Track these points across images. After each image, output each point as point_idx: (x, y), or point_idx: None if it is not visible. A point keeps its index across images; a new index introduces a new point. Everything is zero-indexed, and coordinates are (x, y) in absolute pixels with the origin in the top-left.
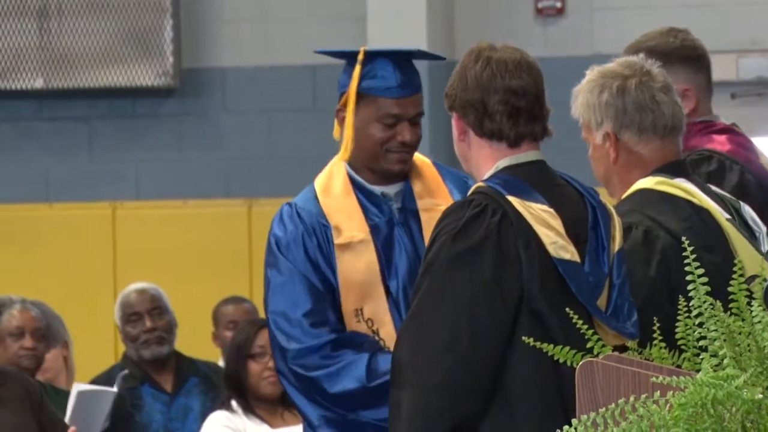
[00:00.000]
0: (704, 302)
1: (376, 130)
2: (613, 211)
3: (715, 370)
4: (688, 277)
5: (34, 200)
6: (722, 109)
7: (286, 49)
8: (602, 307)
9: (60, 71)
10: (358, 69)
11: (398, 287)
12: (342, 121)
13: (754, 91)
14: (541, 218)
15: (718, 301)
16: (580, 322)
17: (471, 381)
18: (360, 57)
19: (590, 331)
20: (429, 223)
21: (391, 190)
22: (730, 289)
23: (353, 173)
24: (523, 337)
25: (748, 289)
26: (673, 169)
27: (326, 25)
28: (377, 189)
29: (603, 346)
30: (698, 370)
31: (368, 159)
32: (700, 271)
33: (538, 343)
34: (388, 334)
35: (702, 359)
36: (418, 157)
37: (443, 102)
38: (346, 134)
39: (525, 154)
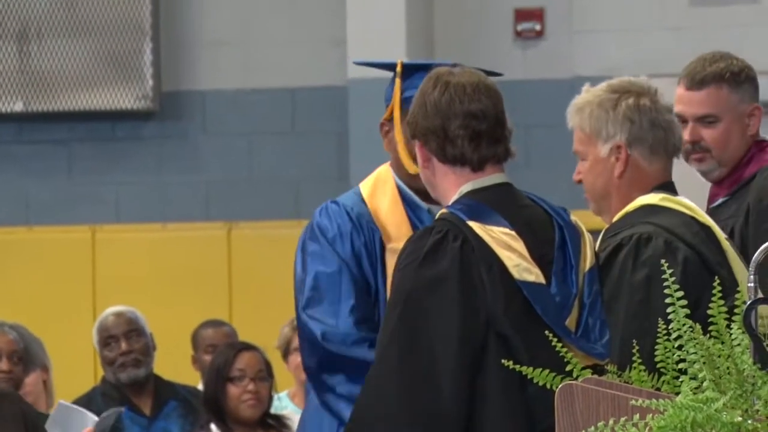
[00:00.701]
0: (683, 324)
1: None
2: (584, 229)
3: (694, 393)
4: (668, 300)
5: (14, 223)
6: None
7: (266, 72)
8: (572, 327)
9: (39, 94)
10: (398, 82)
11: None
12: (386, 135)
13: None
14: (503, 241)
15: (697, 324)
16: (556, 340)
17: (447, 411)
18: (398, 69)
19: (569, 354)
20: None
21: (435, 208)
22: (709, 311)
23: (402, 185)
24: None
25: (729, 311)
26: (670, 187)
27: (306, 48)
28: (425, 205)
29: (583, 368)
30: (678, 393)
31: (406, 176)
32: (680, 294)
33: (511, 365)
34: None
35: (682, 382)
36: None
37: None
38: (399, 148)
39: (489, 178)
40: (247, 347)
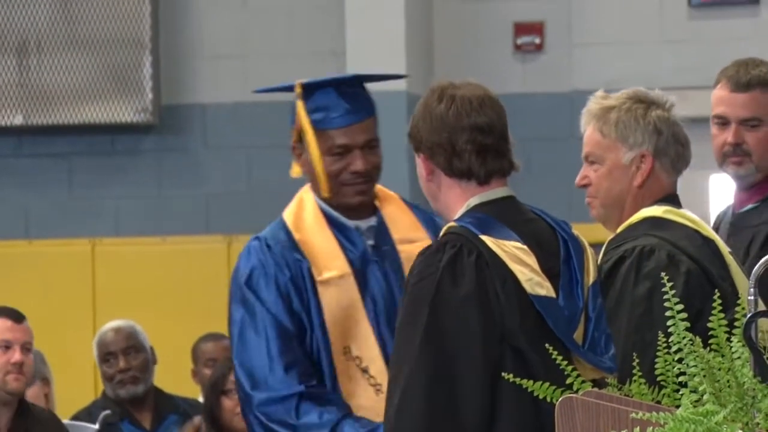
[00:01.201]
0: (683, 338)
1: (327, 163)
2: (586, 243)
3: (695, 406)
4: (668, 313)
5: (13, 237)
6: (702, 144)
7: (266, 85)
8: (579, 341)
9: (39, 108)
10: (300, 104)
11: (374, 324)
12: (299, 157)
13: None
14: (515, 255)
15: (697, 337)
16: (560, 357)
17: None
18: (298, 90)
19: (570, 367)
20: (408, 259)
21: (363, 224)
22: (709, 324)
23: (324, 205)
24: (503, 374)
25: (729, 324)
26: (674, 200)
27: (306, 61)
28: (351, 223)
29: (583, 382)
30: (678, 406)
31: (329, 193)
32: (680, 306)
33: (518, 380)
34: (378, 371)
35: (682, 395)
36: (384, 190)
37: None
38: (316, 169)
39: (494, 191)
40: None
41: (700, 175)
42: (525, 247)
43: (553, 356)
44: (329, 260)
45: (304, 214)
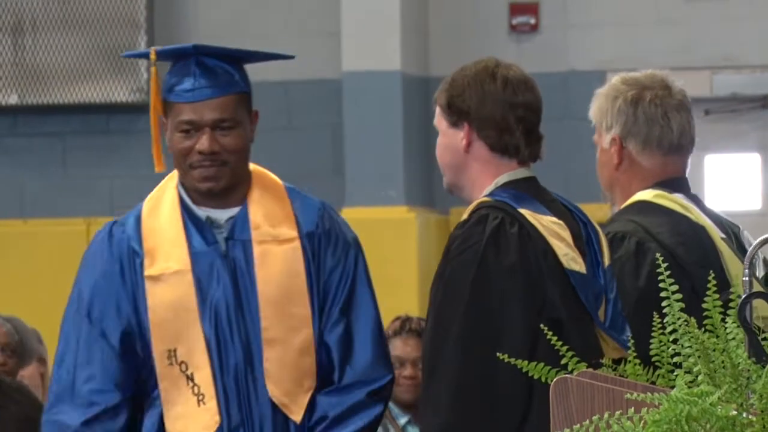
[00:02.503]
0: (678, 318)
1: (176, 140)
2: (599, 227)
3: (689, 387)
4: (662, 293)
5: (9, 216)
6: (696, 125)
7: (259, 66)
8: (602, 320)
9: (34, 87)
10: (153, 71)
11: (211, 327)
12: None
13: (727, 108)
14: (553, 230)
15: (692, 318)
16: (551, 334)
17: (508, 394)
18: (152, 57)
19: (564, 347)
20: (262, 257)
21: (221, 215)
22: (704, 305)
23: (183, 192)
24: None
25: (723, 305)
26: (673, 184)
27: (300, 41)
28: (203, 213)
29: (578, 362)
30: (673, 387)
31: (182, 177)
32: (675, 287)
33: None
34: (204, 380)
35: (676, 376)
36: (268, 178)
37: (420, 119)
38: (153, 138)
39: (520, 170)
40: None
41: (695, 156)
42: (561, 222)
43: (548, 336)
44: (169, 253)
45: (164, 198)
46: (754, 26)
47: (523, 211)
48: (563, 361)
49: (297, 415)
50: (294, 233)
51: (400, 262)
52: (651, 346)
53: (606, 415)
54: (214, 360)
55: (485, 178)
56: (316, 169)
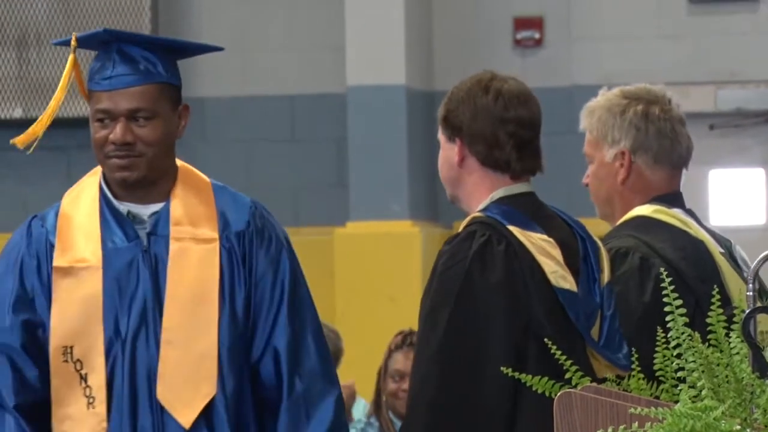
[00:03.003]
0: (682, 333)
1: (94, 129)
2: (600, 243)
3: (693, 402)
4: (666, 308)
5: (12, 230)
6: (701, 140)
7: (265, 80)
8: (595, 338)
9: (38, 101)
10: (71, 58)
11: (128, 326)
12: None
13: (732, 122)
14: (542, 248)
15: (696, 333)
16: (559, 353)
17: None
18: (72, 44)
19: (568, 362)
20: (178, 255)
21: (144, 210)
22: (708, 320)
23: (105, 187)
24: (503, 369)
25: (727, 320)
26: (671, 199)
27: (304, 55)
28: (124, 207)
29: (582, 377)
30: (676, 402)
31: (103, 169)
32: (679, 302)
33: (515, 375)
34: (96, 383)
35: (680, 390)
36: (196, 175)
37: (424, 134)
38: (42, 119)
39: (518, 186)
40: None
41: (699, 170)
42: (551, 239)
43: (552, 351)
44: (82, 247)
45: (84, 192)
46: (759, 41)
47: (512, 228)
48: (567, 375)
49: (185, 418)
50: (214, 234)
51: (404, 276)
52: (655, 361)
53: (610, 430)
54: (116, 362)
55: (481, 192)
56: (320, 183)
